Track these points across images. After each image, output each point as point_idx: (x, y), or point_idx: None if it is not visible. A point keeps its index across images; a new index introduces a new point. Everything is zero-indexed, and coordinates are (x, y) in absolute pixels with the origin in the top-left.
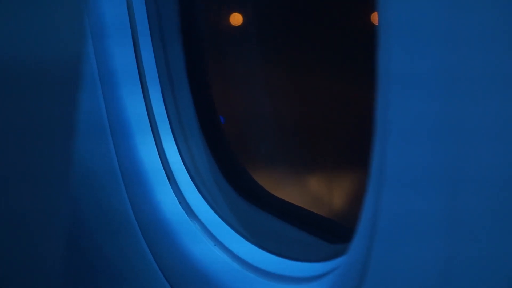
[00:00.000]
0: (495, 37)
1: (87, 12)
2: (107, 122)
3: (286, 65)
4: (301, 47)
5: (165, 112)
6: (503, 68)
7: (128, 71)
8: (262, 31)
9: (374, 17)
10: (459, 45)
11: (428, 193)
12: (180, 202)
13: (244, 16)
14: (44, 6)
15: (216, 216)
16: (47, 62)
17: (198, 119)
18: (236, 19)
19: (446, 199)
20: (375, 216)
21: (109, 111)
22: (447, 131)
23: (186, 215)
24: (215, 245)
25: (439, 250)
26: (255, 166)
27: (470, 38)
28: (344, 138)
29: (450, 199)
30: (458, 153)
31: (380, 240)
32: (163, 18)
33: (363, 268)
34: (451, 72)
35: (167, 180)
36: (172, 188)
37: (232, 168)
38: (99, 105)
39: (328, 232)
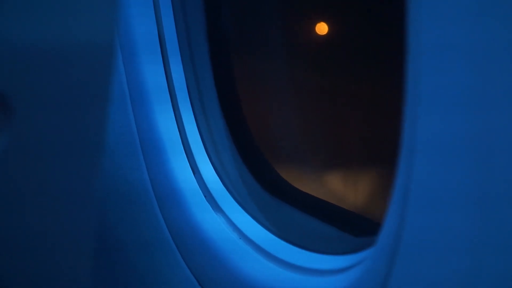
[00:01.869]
0: None
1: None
2: (138, 140)
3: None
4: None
5: (190, 105)
6: None
7: (158, 86)
8: (343, 40)
9: None
10: (489, 53)
11: (456, 191)
12: (205, 196)
13: (330, 26)
14: (74, 22)
15: (241, 210)
16: (77, 74)
17: (223, 113)
18: (322, 28)
19: (475, 197)
20: (403, 210)
21: (132, 93)
22: (476, 135)
23: (211, 209)
24: (240, 238)
25: (468, 244)
26: (280, 161)
27: (501, 45)
28: (368, 133)
29: (479, 195)
30: (490, 153)
31: (408, 233)
32: (192, 29)
33: (391, 262)
34: (482, 73)
35: (193, 175)
36: (197, 181)
37: (256, 162)
38: (129, 119)
39: (352, 226)
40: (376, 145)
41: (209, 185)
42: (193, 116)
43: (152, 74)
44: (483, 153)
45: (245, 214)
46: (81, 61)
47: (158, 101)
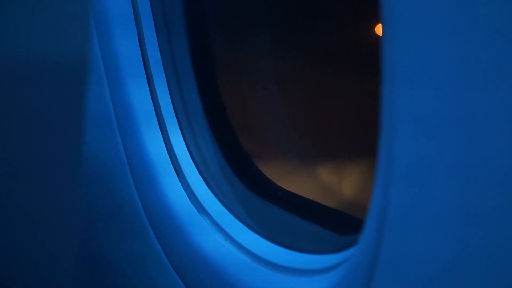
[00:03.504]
0: (506, 29)
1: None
2: (114, 119)
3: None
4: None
5: (172, 107)
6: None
7: (134, 66)
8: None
9: None
10: (468, 36)
11: (438, 180)
12: (189, 198)
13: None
14: (50, 40)
15: (226, 211)
16: (53, 61)
17: (205, 114)
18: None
19: (457, 187)
20: (384, 205)
21: (116, 108)
22: (457, 120)
23: (196, 211)
24: (226, 239)
25: (451, 238)
26: (265, 158)
27: (480, 28)
28: (354, 128)
29: (461, 186)
30: (466, 141)
31: (390, 229)
32: (168, 10)
33: (374, 258)
34: (460, 60)
35: (176, 176)
36: (181, 183)
37: (240, 162)
38: (106, 102)
39: (338, 224)
40: (365, 139)
41: (194, 188)
42: (176, 119)
43: (135, 88)
44: (464, 141)
45: (230, 215)
46: (59, 79)
47: (142, 114)
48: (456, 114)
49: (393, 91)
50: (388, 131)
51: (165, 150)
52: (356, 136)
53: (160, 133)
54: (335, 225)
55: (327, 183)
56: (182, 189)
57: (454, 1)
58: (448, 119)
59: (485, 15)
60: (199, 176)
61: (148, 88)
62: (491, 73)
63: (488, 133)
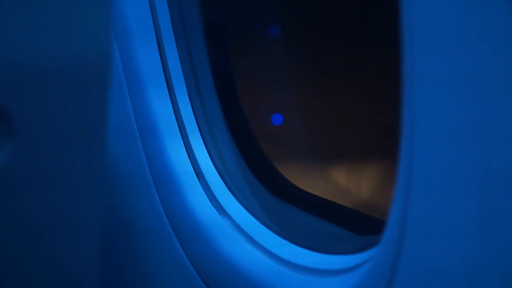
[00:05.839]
0: None
1: (111, 14)
2: (135, 125)
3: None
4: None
5: (191, 112)
6: None
7: (153, 72)
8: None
9: None
10: (485, 43)
11: (458, 184)
12: (210, 201)
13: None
14: (67, 11)
15: (247, 213)
16: (73, 65)
17: (225, 117)
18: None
19: (476, 190)
20: (405, 209)
21: (136, 114)
22: (474, 127)
23: (217, 213)
24: (247, 241)
25: (471, 240)
26: (282, 160)
27: (497, 35)
28: (372, 129)
29: (481, 189)
30: (483, 148)
31: (411, 232)
32: (186, 18)
33: (395, 260)
34: (477, 67)
35: (197, 180)
36: (202, 187)
37: (260, 165)
38: (127, 108)
39: (358, 224)
40: (380, 140)
41: (214, 190)
42: (196, 124)
43: (156, 96)
44: (483, 143)
45: (251, 217)
46: (80, 89)
47: (163, 120)
48: (474, 122)
49: (413, 98)
50: (408, 139)
51: (186, 154)
52: (372, 137)
53: (181, 137)
54: (354, 225)
55: (344, 184)
56: (203, 192)
57: (470, 9)
58: (466, 126)
59: (501, 22)
60: (220, 179)
61: (168, 95)
62: (508, 81)
63: (505, 141)
